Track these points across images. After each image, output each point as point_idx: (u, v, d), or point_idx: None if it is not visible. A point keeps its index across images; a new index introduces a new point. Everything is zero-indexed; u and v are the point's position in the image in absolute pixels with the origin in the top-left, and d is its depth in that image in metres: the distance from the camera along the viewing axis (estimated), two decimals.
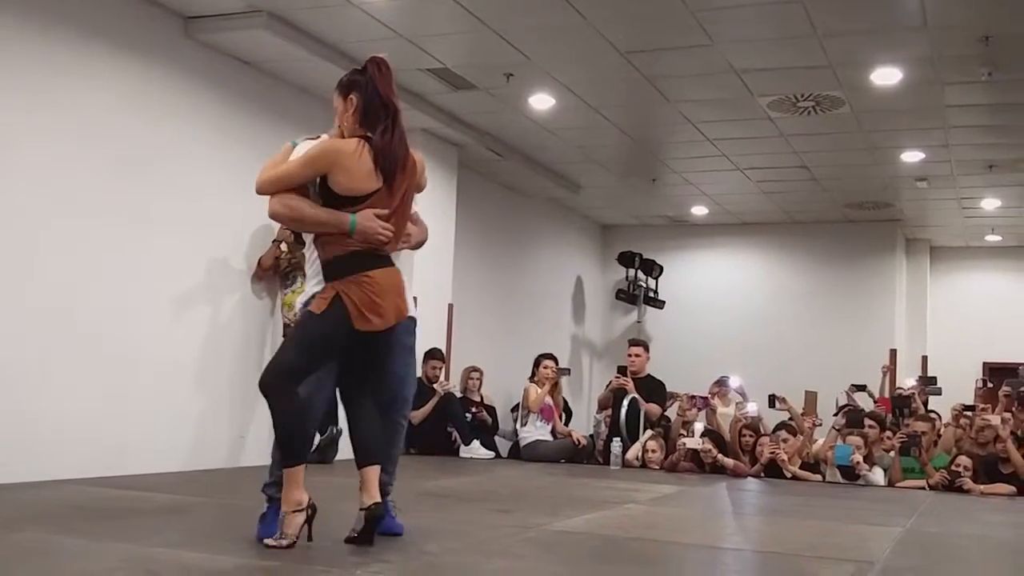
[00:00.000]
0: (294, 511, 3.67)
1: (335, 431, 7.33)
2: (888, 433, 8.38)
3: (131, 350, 6.32)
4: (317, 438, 7.33)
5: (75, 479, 5.63)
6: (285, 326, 7.30)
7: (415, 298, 4.62)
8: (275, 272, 7.43)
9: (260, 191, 3.86)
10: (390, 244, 3.82)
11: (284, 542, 3.66)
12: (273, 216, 3.88)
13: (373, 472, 3.81)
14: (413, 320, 4.23)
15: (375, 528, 3.80)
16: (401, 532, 4.14)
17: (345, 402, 4.04)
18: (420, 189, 4.25)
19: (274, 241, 7.31)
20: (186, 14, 6.71)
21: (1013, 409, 8.29)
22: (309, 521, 3.70)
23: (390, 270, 3.84)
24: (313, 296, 3.88)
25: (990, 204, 11.48)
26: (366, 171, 3.73)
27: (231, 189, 6.88)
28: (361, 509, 3.78)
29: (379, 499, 3.79)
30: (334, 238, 3.76)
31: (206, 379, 6.93)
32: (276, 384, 3.72)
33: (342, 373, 3.98)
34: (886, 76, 7.41)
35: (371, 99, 3.80)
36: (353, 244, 3.74)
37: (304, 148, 3.93)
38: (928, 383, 10.03)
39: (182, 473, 6.44)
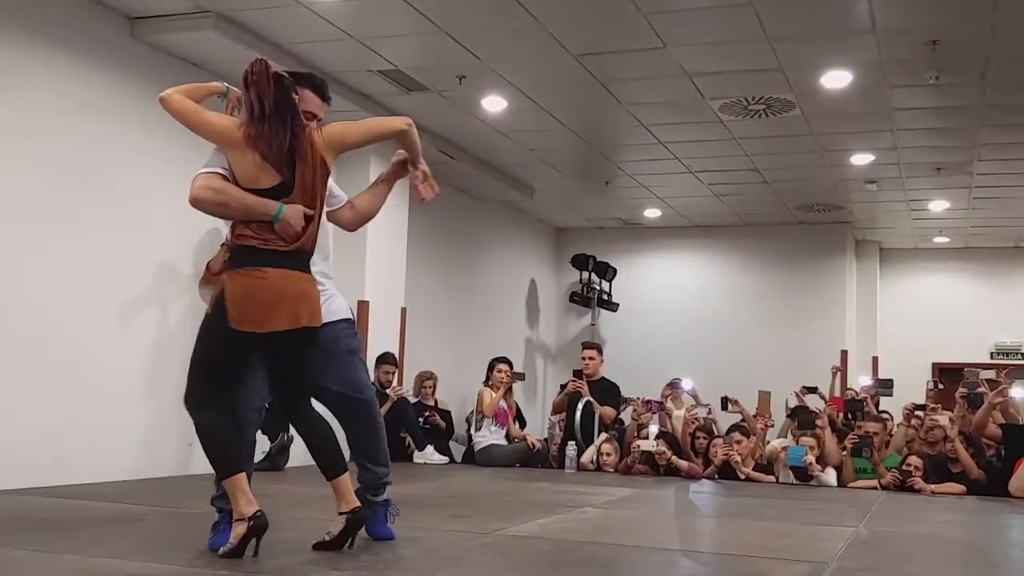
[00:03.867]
0: (236, 520, 3.61)
1: (286, 438, 7.25)
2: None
3: (75, 356, 6.19)
4: (267, 445, 7.26)
5: (17, 489, 5.50)
6: None
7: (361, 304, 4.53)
8: None
9: (162, 100, 3.86)
10: (301, 242, 3.72)
11: (222, 550, 3.61)
12: (195, 201, 3.73)
13: (343, 481, 3.81)
14: (348, 321, 4.18)
15: (353, 533, 3.81)
16: (393, 536, 4.18)
17: (293, 421, 3.98)
18: (381, 136, 4.16)
19: (223, 245, 7.19)
20: (132, 14, 6.60)
21: (966, 410, 8.38)
22: (254, 535, 3.58)
23: (293, 273, 3.72)
24: None
25: (938, 206, 11.63)
26: (249, 151, 3.67)
27: (178, 192, 6.70)
28: (341, 513, 3.78)
29: (358, 504, 3.82)
30: (258, 234, 3.68)
31: (153, 385, 6.81)
32: (188, 404, 3.80)
33: (277, 390, 3.90)
34: (836, 79, 7.48)
35: (246, 101, 3.77)
36: (269, 241, 3.67)
37: None
38: (883, 385, 10.11)
39: (129, 482, 6.33)
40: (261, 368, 3.85)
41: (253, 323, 3.64)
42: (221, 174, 3.74)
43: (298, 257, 3.74)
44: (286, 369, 3.84)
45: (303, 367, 3.86)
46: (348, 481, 3.84)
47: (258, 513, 3.57)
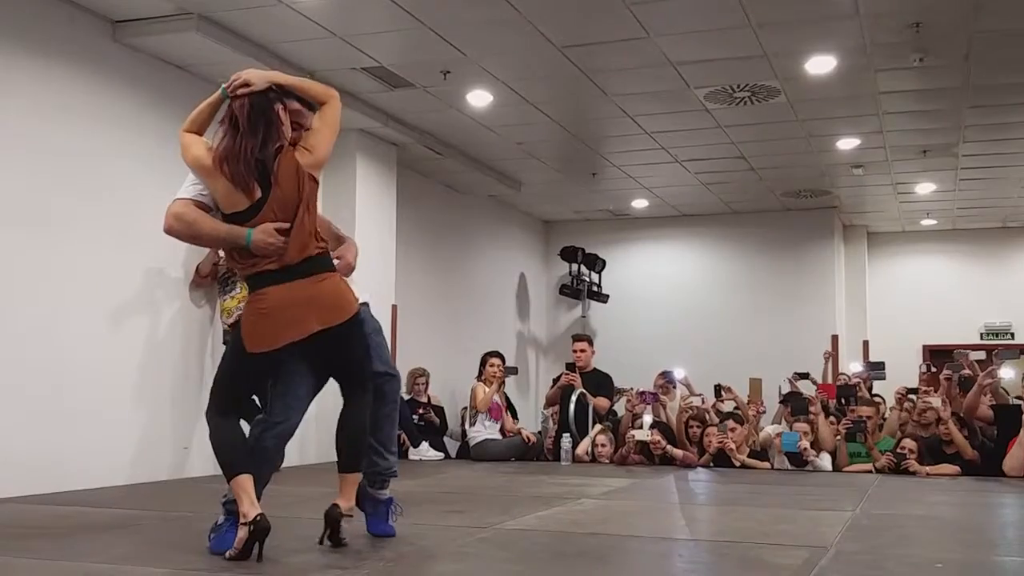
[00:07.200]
0: (240, 523, 3.60)
1: None
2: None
3: (67, 363, 6.16)
4: None
5: (13, 497, 5.48)
6: (224, 332, 7.19)
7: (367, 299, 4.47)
8: (213, 279, 7.30)
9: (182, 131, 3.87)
10: (286, 256, 3.71)
11: (229, 553, 3.60)
12: (168, 231, 3.80)
13: (354, 479, 3.87)
14: (364, 305, 4.14)
15: (330, 527, 3.82)
16: (393, 533, 4.22)
17: (343, 402, 4.01)
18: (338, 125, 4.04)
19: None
20: (113, 17, 6.56)
21: (955, 392, 8.41)
22: (255, 539, 3.56)
23: (294, 284, 3.72)
24: None
25: (925, 189, 11.66)
26: (219, 176, 3.68)
27: (165, 196, 6.69)
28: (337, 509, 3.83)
29: (353, 505, 3.88)
30: (243, 261, 3.74)
31: (146, 390, 6.79)
32: (208, 408, 3.84)
33: (335, 378, 3.98)
34: (820, 64, 7.49)
35: (225, 116, 3.80)
36: (257, 264, 3.70)
37: None
38: (875, 368, 10.14)
39: (125, 487, 6.31)
40: (307, 378, 3.94)
41: (263, 343, 3.71)
42: (196, 202, 3.78)
43: (290, 270, 3.73)
44: (332, 364, 3.93)
45: (346, 357, 3.91)
46: (356, 483, 3.88)
47: (258, 517, 3.56)
